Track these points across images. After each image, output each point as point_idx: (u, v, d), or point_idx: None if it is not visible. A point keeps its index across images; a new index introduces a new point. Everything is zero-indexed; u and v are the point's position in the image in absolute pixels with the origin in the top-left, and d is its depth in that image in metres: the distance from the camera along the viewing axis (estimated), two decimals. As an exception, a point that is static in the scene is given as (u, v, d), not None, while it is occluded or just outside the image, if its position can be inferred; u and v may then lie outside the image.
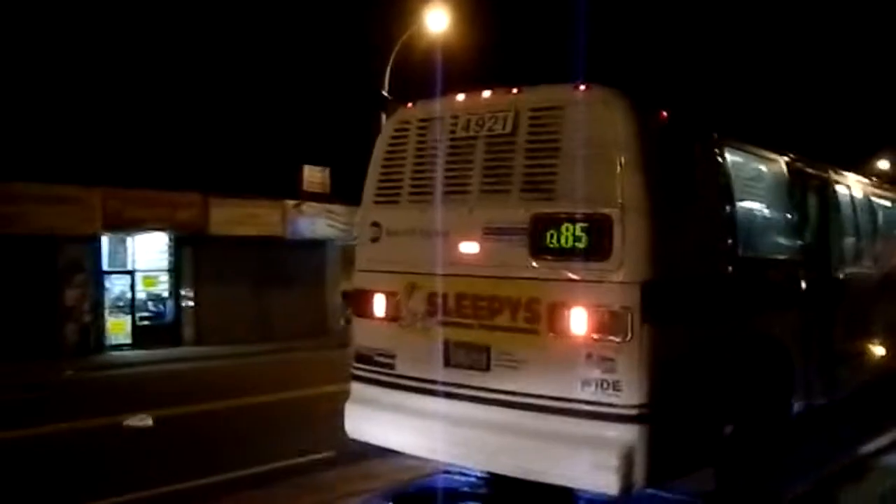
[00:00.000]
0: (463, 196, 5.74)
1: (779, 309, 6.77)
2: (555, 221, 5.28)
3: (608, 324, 5.07)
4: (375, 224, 6.24)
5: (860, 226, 8.98)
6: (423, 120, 6.06)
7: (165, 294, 22.25)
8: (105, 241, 21.08)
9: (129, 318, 21.44)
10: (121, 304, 21.42)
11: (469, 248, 5.67)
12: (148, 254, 22.10)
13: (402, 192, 6.10)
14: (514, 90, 5.69)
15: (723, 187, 6.05)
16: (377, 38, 21.64)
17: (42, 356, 18.34)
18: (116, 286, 21.44)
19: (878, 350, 9.23)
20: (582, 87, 5.37)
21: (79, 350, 19.91)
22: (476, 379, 5.57)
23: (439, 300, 5.77)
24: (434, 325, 5.80)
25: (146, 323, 21.73)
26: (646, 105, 5.43)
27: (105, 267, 21.22)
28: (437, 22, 20.69)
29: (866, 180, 9.72)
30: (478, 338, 5.58)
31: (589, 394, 5.12)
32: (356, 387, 6.31)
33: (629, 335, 5.01)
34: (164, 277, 22.32)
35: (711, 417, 5.68)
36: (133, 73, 21.14)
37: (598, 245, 5.15)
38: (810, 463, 7.21)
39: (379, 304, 6.13)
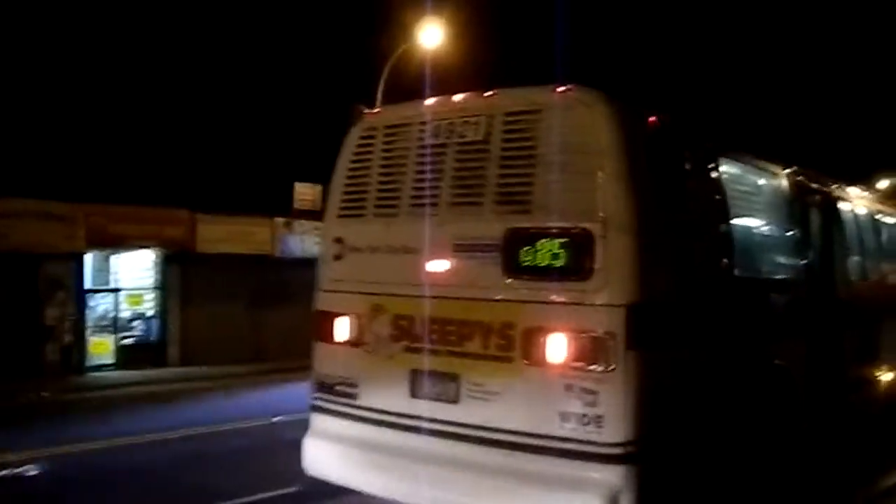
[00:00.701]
0: (432, 209, 5.22)
1: (781, 333, 6.22)
2: (531, 237, 4.76)
3: (589, 351, 4.53)
4: (338, 240, 5.73)
5: (867, 245, 8.45)
6: (390, 127, 5.56)
7: (151, 313, 21.67)
8: (89, 258, 20.53)
9: (112, 337, 20.83)
10: (104, 323, 20.81)
11: (437, 266, 5.14)
12: (133, 272, 21.52)
13: (367, 205, 5.59)
14: (488, 93, 5.18)
15: (717, 201, 5.53)
16: (372, 54, 21.22)
17: (23, 376, 17.80)
18: (100, 305, 20.87)
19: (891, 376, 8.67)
20: (561, 89, 4.87)
21: (59, 370, 19.32)
22: (444, 412, 5.02)
23: (405, 324, 5.24)
24: (400, 352, 5.27)
25: (130, 342, 21.12)
26: (632, 109, 4.92)
27: (88, 285, 20.64)
28: (431, 37, 20.29)
29: (872, 197, 9.19)
30: (447, 366, 5.05)
31: (568, 430, 4.57)
32: (316, 418, 5.76)
33: (612, 364, 4.48)
34: (150, 296, 21.73)
35: (708, 454, 5.11)
36: (120, 87, 20.72)
37: (578, 263, 4.63)
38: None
39: (341, 328, 5.60)
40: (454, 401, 4.98)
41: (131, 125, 20.95)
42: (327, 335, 5.68)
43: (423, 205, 5.26)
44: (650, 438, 4.54)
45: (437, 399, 5.06)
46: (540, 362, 4.68)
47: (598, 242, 4.56)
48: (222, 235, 21.96)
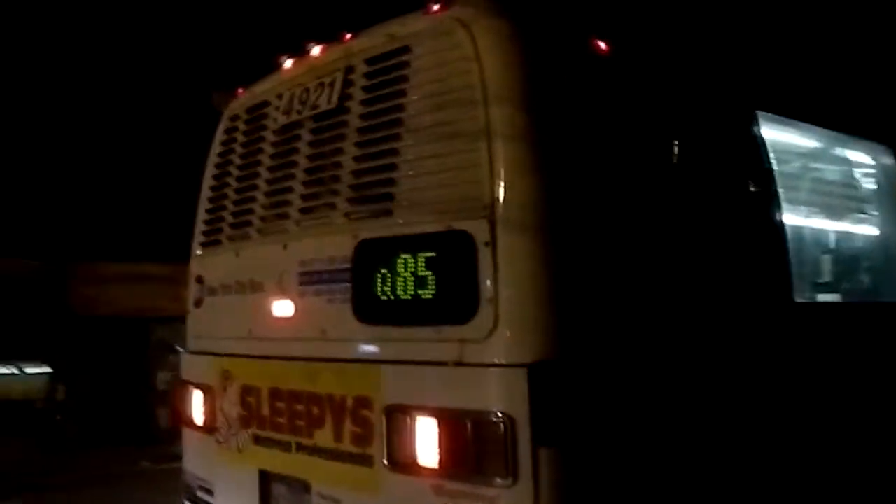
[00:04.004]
0: (280, 223, 3.43)
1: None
2: (388, 252, 2.85)
3: (472, 450, 2.53)
4: (199, 279, 4.04)
5: None
6: (250, 109, 3.82)
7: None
8: (197, 319, 20.04)
9: (224, 400, 20.15)
10: (217, 385, 20.21)
11: (282, 309, 3.32)
12: (245, 331, 20.89)
13: (223, 226, 3.86)
14: (348, 36, 3.35)
15: (754, 186, 3.34)
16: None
17: (132, 443, 17.34)
18: (211, 367, 20.30)
19: None
20: (435, 8, 2.95)
21: (171, 436, 18.75)
22: (296, 542, 3.15)
23: (252, 400, 3.44)
24: (248, 443, 3.46)
25: (244, 405, 20.37)
26: (557, 28, 2.92)
27: (199, 347, 20.14)
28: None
29: None
30: (297, 468, 3.19)
31: (453, 590, 2.56)
32: (184, 539, 4.02)
33: (511, 474, 2.45)
34: (263, 356, 20.98)
35: None
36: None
37: (452, 293, 2.66)
38: None
39: (196, 406, 3.87)
40: None
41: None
42: (186, 416, 3.97)
43: (272, 218, 3.49)
44: None
45: None
46: (407, 467, 2.72)
47: (482, 254, 2.58)
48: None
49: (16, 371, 20.93)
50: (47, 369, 18.64)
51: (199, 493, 3.82)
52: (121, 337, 18.58)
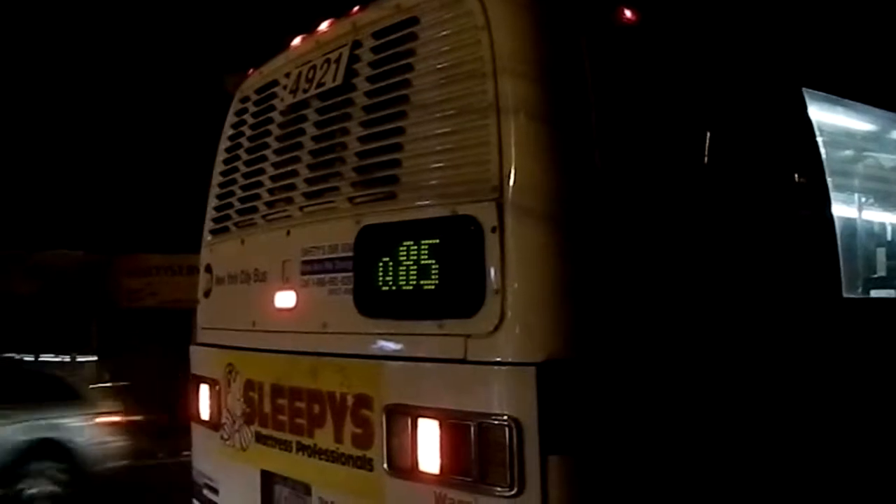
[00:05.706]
0: (284, 208, 3.24)
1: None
2: (390, 239, 2.63)
3: (476, 456, 2.31)
4: (208, 269, 3.89)
5: None
6: (260, 90, 3.64)
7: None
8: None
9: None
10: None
11: (284, 300, 3.13)
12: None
13: (231, 213, 3.69)
14: (356, 9, 3.13)
15: (798, 172, 3.04)
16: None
17: (175, 432, 17.50)
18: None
19: None
20: (445, -26, 2.72)
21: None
22: (297, 550, 2.96)
23: (255, 396, 3.26)
24: (251, 441, 3.28)
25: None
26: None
27: (241, 338, 20.22)
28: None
29: None
30: (297, 470, 3.00)
31: None
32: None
33: (516, 483, 2.22)
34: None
35: None
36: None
37: (456, 284, 2.44)
38: None
39: (203, 400, 3.71)
40: None
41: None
42: (194, 410, 3.81)
43: (276, 202, 3.30)
44: None
45: None
46: (408, 472, 2.50)
47: (488, 241, 2.35)
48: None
49: (67, 359, 21.32)
50: (95, 358, 18.94)
51: (206, 492, 3.67)
52: (164, 327, 18.77)
